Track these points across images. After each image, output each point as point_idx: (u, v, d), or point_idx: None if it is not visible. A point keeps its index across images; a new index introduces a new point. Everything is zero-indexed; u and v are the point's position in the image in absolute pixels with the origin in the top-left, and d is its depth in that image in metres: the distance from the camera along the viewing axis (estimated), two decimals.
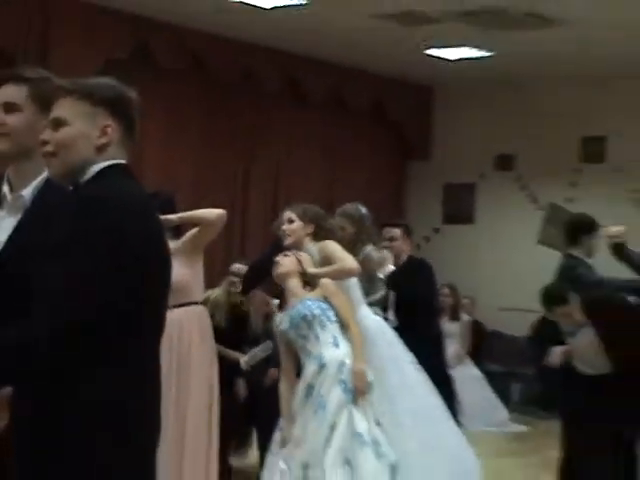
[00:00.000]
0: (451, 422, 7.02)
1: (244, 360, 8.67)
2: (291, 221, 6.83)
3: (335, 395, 6.24)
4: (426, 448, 6.59)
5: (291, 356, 6.53)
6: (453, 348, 12.42)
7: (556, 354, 7.19)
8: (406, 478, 6.31)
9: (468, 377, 12.68)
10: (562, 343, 7.14)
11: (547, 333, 7.26)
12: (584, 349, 7.09)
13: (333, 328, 6.44)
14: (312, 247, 6.77)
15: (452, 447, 6.81)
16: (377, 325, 7.04)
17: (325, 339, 6.40)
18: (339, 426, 6.18)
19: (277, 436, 6.50)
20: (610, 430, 7.21)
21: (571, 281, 7.73)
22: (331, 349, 6.37)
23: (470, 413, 11.68)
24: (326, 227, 6.91)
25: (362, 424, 6.25)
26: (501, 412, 13.14)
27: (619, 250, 8.30)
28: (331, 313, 6.47)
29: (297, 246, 6.77)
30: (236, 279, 8.85)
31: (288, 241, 6.81)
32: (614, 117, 14.40)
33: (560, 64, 13.77)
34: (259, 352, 8.72)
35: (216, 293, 8.79)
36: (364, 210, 7.52)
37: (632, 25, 11.75)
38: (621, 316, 7.10)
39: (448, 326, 12.58)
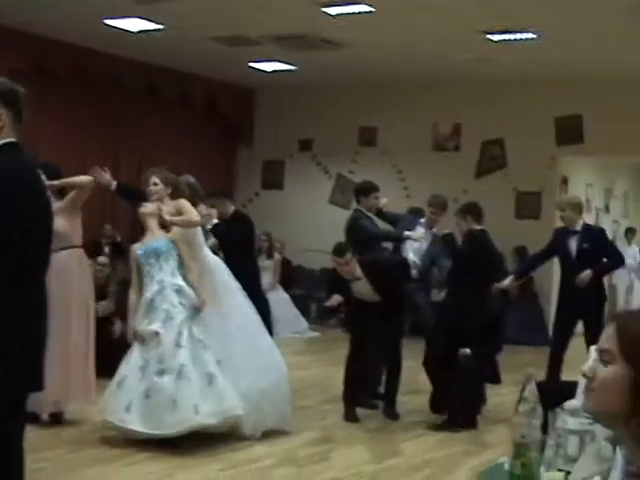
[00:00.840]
0: (266, 332, 7.01)
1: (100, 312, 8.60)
2: (155, 184, 6.71)
3: (179, 311, 6.24)
4: (247, 350, 6.57)
5: (138, 276, 6.41)
6: (268, 278, 12.42)
7: (333, 300, 7.46)
8: (234, 374, 6.31)
9: (279, 299, 12.69)
10: (348, 287, 7.36)
11: (336, 282, 7.44)
12: (362, 289, 7.28)
13: (174, 264, 6.40)
14: (169, 203, 6.66)
15: (266, 349, 6.80)
16: (214, 261, 6.99)
17: (167, 270, 6.36)
18: (184, 333, 6.18)
19: (129, 332, 6.39)
20: (382, 335, 7.55)
21: (356, 232, 7.92)
22: (170, 277, 6.34)
23: (280, 324, 11.71)
24: (180, 189, 6.81)
25: (201, 335, 6.27)
26: (302, 323, 13.24)
27: (381, 213, 8.74)
28: (175, 253, 6.42)
29: (159, 202, 6.65)
30: (100, 267, 9.20)
31: (153, 198, 6.68)
32: (383, 112, 14.53)
33: (343, 74, 13.78)
34: (106, 305, 8.90)
35: None
36: (192, 179, 7.36)
37: (393, 47, 11.89)
38: (380, 272, 7.36)
39: (264, 262, 12.59)
